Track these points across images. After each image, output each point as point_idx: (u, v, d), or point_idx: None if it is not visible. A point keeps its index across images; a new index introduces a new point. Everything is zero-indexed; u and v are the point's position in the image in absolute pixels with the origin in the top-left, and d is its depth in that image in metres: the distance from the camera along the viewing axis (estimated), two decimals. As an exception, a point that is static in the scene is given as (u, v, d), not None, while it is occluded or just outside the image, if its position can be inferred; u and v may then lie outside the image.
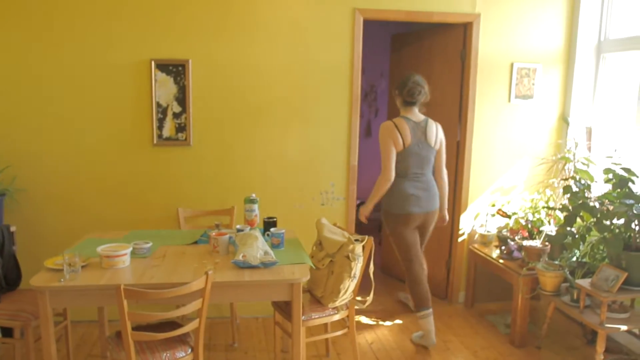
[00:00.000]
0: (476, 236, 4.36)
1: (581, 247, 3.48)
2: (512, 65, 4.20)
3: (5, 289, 3.20)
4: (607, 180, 3.33)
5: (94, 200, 3.85)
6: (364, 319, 4.11)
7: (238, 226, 3.17)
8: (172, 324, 2.74)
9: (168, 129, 3.84)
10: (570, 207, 3.41)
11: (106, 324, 3.41)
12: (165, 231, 3.45)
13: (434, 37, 4.47)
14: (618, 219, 3.16)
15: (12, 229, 3.50)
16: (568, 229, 3.36)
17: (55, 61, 3.67)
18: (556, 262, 3.57)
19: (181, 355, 2.54)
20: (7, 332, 3.34)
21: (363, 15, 3.93)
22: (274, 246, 3.05)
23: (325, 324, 3.32)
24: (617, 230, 3.19)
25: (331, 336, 3.24)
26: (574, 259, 3.60)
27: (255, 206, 3.30)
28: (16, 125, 3.71)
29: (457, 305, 4.41)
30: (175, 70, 3.78)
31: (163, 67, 3.77)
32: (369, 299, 3.12)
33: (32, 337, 2.93)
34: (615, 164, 3.26)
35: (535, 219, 3.99)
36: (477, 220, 4.35)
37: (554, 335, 3.87)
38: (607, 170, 3.31)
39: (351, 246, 2.91)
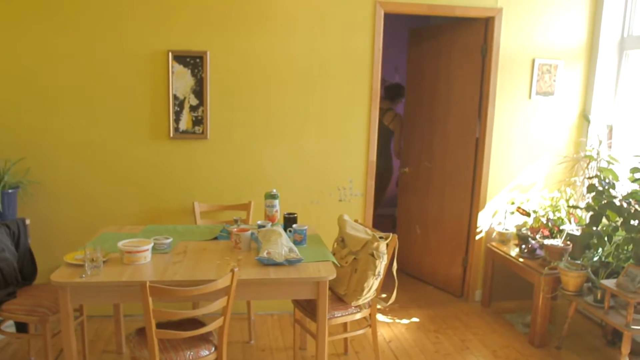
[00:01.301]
0: (494, 234, 4.30)
1: (606, 247, 3.42)
2: (533, 61, 4.13)
3: (21, 283, 3.15)
4: (634, 180, 3.27)
5: (109, 194, 3.79)
6: (380, 317, 4.06)
7: (259, 222, 3.10)
8: (193, 322, 2.69)
9: (185, 122, 3.77)
10: (595, 207, 3.34)
11: (122, 320, 3.36)
12: (182, 226, 3.39)
13: (454, 31, 4.40)
14: (646, 219, 3.11)
15: (27, 222, 3.45)
16: (594, 228, 3.30)
17: (70, 52, 3.59)
18: (578, 262, 3.51)
19: (205, 354, 2.49)
20: (22, 327, 3.30)
21: (384, 8, 3.85)
22: (296, 243, 3.00)
23: (345, 323, 3.27)
24: (644, 231, 3.14)
25: (352, 335, 3.18)
26: (596, 258, 3.54)
27: (276, 202, 3.24)
28: (30, 117, 3.64)
29: (473, 304, 4.36)
30: (193, 62, 3.71)
31: (180, 58, 3.70)
32: (392, 297, 3.06)
33: (49, 332, 2.88)
34: (644, 163, 3.20)
35: (555, 218, 3.93)
36: (495, 217, 4.29)
37: (573, 336, 3.82)
38: (634, 170, 3.25)
39: (376, 244, 2.85)
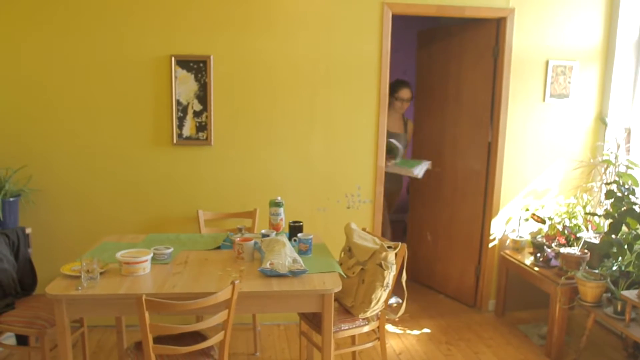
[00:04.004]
0: (508, 242, 4.16)
1: (626, 256, 3.27)
2: (547, 62, 3.99)
3: (20, 294, 3.07)
4: (655, 186, 3.12)
5: (112, 201, 3.71)
6: (390, 328, 3.93)
7: (263, 231, 3.00)
8: (194, 335, 2.59)
9: (188, 128, 3.69)
10: (615, 214, 3.20)
11: (124, 331, 3.27)
12: (185, 235, 3.29)
13: (465, 32, 4.28)
14: (668, 227, 2.96)
15: (28, 230, 3.39)
16: (614, 237, 3.16)
17: (71, 58, 3.53)
18: (596, 271, 3.37)
19: (205, 370, 2.39)
20: (22, 339, 3.23)
21: (392, 9, 3.75)
22: (301, 252, 2.89)
23: (353, 335, 3.15)
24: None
25: (360, 348, 3.06)
26: (615, 268, 3.39)
27: (281, 210, 3.14)
28: (32, 124, 3.58)
29: (486, 314, 4.22)
30: (197, 66, 3.63)
31: (183, 63, 3.62)
32: (402, 309, 2.94)
33: (48, 345, 2.79)
34: (666, 168, 3.06)
35: (572, 225, 3.79)
36: (509, 225, 4.15)
37: (591, 348, 3.66)
38: (655, 175, 3.11)
39: (384, 254, 2.73)
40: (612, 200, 3.29)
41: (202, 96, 3.67)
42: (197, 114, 3.68)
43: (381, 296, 2.79)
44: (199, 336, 2.57)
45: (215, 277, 2.55)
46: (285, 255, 2.63)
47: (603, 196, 3.89)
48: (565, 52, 4.01)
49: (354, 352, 3.38)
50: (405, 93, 4.43)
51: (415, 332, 3.90)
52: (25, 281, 3.15)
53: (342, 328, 2.83)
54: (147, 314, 2.15)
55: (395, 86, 4.40)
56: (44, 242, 3.65)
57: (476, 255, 4.29)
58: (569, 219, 3.86)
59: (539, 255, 3.77)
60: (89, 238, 3.61)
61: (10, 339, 3.38)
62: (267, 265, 2.56)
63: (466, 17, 3.91)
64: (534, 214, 3.97)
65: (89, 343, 3.57)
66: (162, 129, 3.67)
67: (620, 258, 3.30)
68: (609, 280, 3.27)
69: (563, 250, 3.59)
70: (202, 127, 3.70)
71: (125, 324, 3.28)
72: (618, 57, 4.00)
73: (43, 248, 3.64)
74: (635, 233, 3.20)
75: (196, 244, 3.11)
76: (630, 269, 3.32)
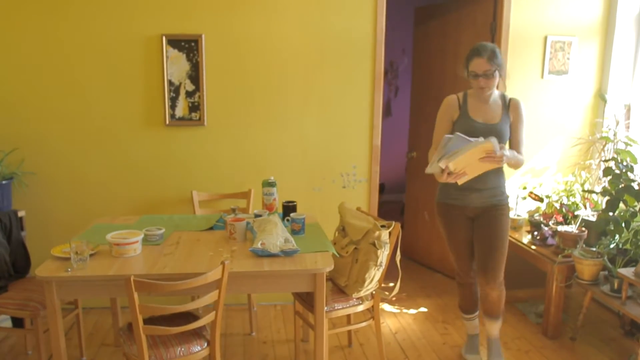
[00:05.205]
0: (505, 220, 4.13)
1: (623, 234, 3.23)
2: (545, 38, 3.92)
3: (13, 277, 3.07)
4: (653, 162, 3.08)
5: (105, 183, 3.69)
6: (386, 307, 3.93)
7: (256, 211, 2.98)
8: (187, 315, 2.58)
9: (181, 109, 3.65)
10: (612, 191, 3.16)
11: (119, 312, 3.27)
12: (178, 216, 3.28)
13: (462, 8, 4.20)
14: (666, 204, 2.92)
15: (21, 214, 3.38)
16: (611, 214, 3.12)
17: (61, 39, 3.48)
18: (594, 249, 3.34)
19: (197, 350, 2.38)
20: (18, 322, 3.24)
21: (387, -15, 3.67)
22: (294, 232, 2.87)
23: (348, 315, 3.15)
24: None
25: (355, 327, 3.05)
26: (612, 245, 3.36)
27: (274, 189, 3.11)
28: (23, 106, 3.54)
29: (484, 293, 4.21)
30: (188, 46, 3.57)
31: (175, 42, 3.56)
32: (396, 288, 2.92)
33: (41, 327, 2.79)
34: (664, 143, 3.01)
35: (570, 203, 3.75)
36: (507, 203, 4.12)
37: (588, 326, 3.65)
38: (653, 151, 3.06)
39: (377, 233, 2.70)
40: (610, 177, 3.25)
41: (194, 76, 3.61)
42: (189, 94, 3.63)
43: (374, 275, 2.77)
44: (191, 317, 2.56)
45: (207, 258, 2.53)
46: (277, 235, 2.61)
47: (601, 173, 3.85)
48: (564, 27, 3.93)
49: (349, 331, 3.39)
50: (476, 65, 2.85)
51: (412, 311, 3.90)
52: (18, 264, 3.14)
53: (336, 307, 2.82)
54: (136, 295, 2.13)
55: (468, 57, 2.93)
56: (37, 224, 3.64)
57: (474, 235, 4.25)
58: (567, 196, 3.83)
59: (536, 233, 3.74)
60: (83, 220, 3.60)
61: (6, 322, 3.39)
62: (259, 245, 2.54)
63: (463, -8, 3.84)
64: (531, 192, 3.94)
65: (86, 325, 3.58)
66: (154, 110, 3.63)
67: (617, 236, 3.26)
68: (606, 258, 3.24)
69: (560, 228, 3.56)
70: (194, 108, 3.65)
71: (120, 306, 3.28)
72: (618, 33, 3.92)
73: (37, 231, 3.63)
74: (632, 210, 3.16)
75: (189, 225, 3.09)
76: (628, 246, 3.29)
